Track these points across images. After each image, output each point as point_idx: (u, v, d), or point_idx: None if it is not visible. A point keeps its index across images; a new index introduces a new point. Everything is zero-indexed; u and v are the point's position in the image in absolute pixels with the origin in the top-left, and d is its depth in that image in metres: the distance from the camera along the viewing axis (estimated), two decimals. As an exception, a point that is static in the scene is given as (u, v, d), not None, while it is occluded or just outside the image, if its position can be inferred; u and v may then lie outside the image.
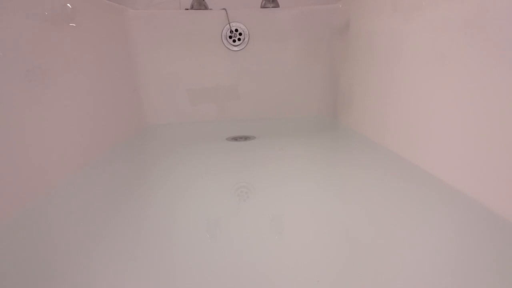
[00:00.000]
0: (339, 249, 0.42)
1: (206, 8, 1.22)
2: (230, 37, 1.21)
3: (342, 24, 1.13)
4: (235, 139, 0.98)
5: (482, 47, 0.51)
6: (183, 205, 0.56)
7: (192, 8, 1.22)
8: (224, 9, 1.19)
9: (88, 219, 0.52)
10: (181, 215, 0.53)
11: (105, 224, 0.50)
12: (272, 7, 1.24)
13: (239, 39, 1.22)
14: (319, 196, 0.58)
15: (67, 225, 0.50)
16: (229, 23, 1.20)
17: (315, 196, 0.59)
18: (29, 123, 0.60)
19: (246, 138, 0.99)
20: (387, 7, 0.79)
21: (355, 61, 1.02)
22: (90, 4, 0.87)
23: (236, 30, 1.21)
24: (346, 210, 0.53)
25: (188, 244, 0.44)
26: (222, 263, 0.40)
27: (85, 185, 0.66)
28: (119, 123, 1.00)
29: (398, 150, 0.76)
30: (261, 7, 1.26)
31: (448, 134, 0.59)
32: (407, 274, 0.37)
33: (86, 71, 0.83)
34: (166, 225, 0.49)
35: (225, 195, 0.59)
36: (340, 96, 1.15)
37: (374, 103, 0.89)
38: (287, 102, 1.29)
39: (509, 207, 0.46)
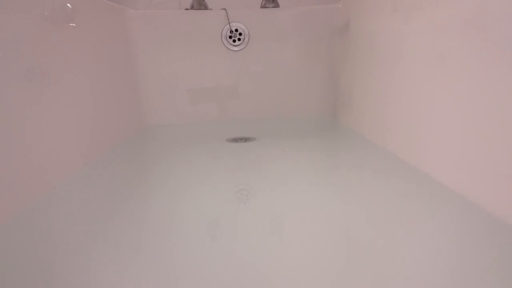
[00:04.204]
0: (339, 250, 0.42)
1: (206, 8, 1.22)
2: (230, 37, 1.21)
3: (342, 24, 1.13)
4: (235, 140, 0.98)
5: (482, 47, 0.51)
6: (183, 205, 0.56)
7: (192, 8, 1.22)
8: (224, 9, 1.19)
9: (88, 219, 0.52)
10: (181, 215, 0.53)
11: (105, 224, 0.50)
12: (272, 7, 1.24)
13: (239, 39, 1.21)
14: (319, 197, 0.58)
15: (67, 225, 0.50)
16: (229, 23, 1.20)
17: (315, 196, 0.59)
18: (29, 123, 0.60)
19: (246, 139, 0.99)
20: (387, 7, 0.79)
21: (355, 61, 1.02)
22: (90, 4, 0.87)
23: (236, 30, 1.21)
24: (346, 211, 0.53)
25: (188, 244, 0.44)
26: (222, 263, 0.40)
27: (85, 185, 0.66)
28: (119, 123, 1.00)
29: (397, 150, 0.76)
30: (261, 7, 1.26)
31: (447, 135, 0.59)
32: (407, 275, 0.37)
33: (86, 71, 0.83)
34: (166, 226, 0.49)
35: (225, 196, 0.59)
36: (340, 96, 1.15)
37: (374, 103, 0.89)
38: (287, 102, 1.29)
39: (509, 209, 0.46)
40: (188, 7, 1.25)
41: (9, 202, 0.53)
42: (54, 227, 0.50)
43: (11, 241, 0.46)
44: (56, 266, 0.40)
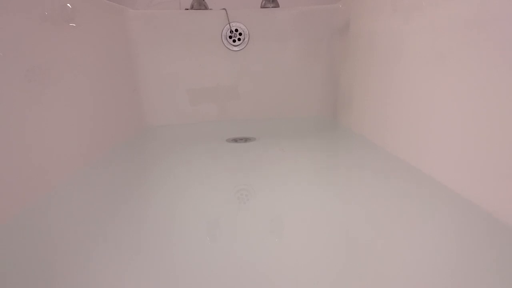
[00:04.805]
0: (339, 250, 0.42)
1: (206, 8, 1.22)
2: (230, 37, 1.21)
3: (342, 24, 1.13)
4: (235, 140, 0.98)
5: (482, 47, 0.51)
6: (183, 206, 0.56)
7: (192, 8, 1.22)
8: (224, 9, 1.19)
9: (88, 219, 0.52)
10: (181, 215, 0.53)
11: (105, 224, 0.50)
12: (272, 7, 1.24)
13: (239, 39, 1.22)
14: (319, 197, 0.58)
15: (67, 225, 0.50)
16: (229, 23, 1.20)
17: (315, 196, 0.59)
18: (29, 123, 0.60)
19: (246, 139, 0.99)
20: (387, 7, 0.79)
21: (355, 61, 1.02)
22: (90, 4, 0.87)
23: (236, 30, 1.21)
24: (346, 211, 0.53)
25: (188, 244, 0.44)
26: (222, 263, 0.40)
27: (85, 185, 0.66)
28: (119, 123, 1.00)
29: (397, 151, 0.76)
30: (261, 7, 1.26)
31: (447, 135, 0.59)
32: (406, 274, 0.37)
33: (86, 71, 0.83)
34: (166, 226, 0.49)
35: (225, 196, 0.59)
36: (340, 96, 1.15)
37: (374, 103, 0.89)
38: (287, 102, 1.29)
39: (509, 209, 0.46)
40: (188, 7, 1.25)
41: (9, 202, 0.53)
42: (54, 227, 0.50)
43: (11, 241, 0.46)
44: (56, 266, 0.40)
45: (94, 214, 0.53)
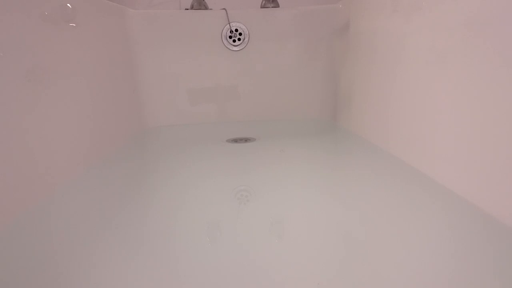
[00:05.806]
0: (339, 251, 0.42)
1: (206, 8, 1.22)
2: (230, 37, 1.21)
3: (342, 24, 1.13)
4: (235, 140, 0.98)
5: (482, 47, 0.51)
6: (183, 207, 0.56)
7: (192, 8, 1.22)
8: (224, 9, 1.19)
9: (88, 221, 0.52)
10: (181, 217, 0.53)
11: (106, 226, 0.50)
12: (272, 7, 1.24)
13: (239, 39, 1.22)
14: (320, 197, 0.58)
15: (68, 227, 0.50)
16: (229, 23, 1.20)
17: (315, 197, 0.59)
18: (29, 124, 0.60)
19: (246, 139, 0.99)
20: (387, 7, 0.79)
21: (355, 62, 1.02)
22: (90, 4, 0.86)
23: (236, 30, 1.21)
24: (346, 212, 0.53)
25: (188, 245, 0.44)
26: (223, 264, 0.40)
27: (85, 187, 0.66)
28: (119, 123, 1.00)
29: (398, 152, 0.76)
30: (261, 7, 1.26)
31: (448, 136, 0.59)
32: (407, 275, 0.37)
33: (86, 71, 0.83)
34: (167, 227, 0.49)
35: (226, 196, 0.59)
36: (340, 98, 1.15)
37: (374, 104, 0.89)
38: (287, 103, 1.29)
39: (508, 209, 0.46)
40: (188, 7, 1.25)
41: (10, 204, 0.53)
42: (55, 230, 0.50)
43: (12, 243, 0.46)
44: (58, 268, 0.40)
45: (94, 216, 0.53)
